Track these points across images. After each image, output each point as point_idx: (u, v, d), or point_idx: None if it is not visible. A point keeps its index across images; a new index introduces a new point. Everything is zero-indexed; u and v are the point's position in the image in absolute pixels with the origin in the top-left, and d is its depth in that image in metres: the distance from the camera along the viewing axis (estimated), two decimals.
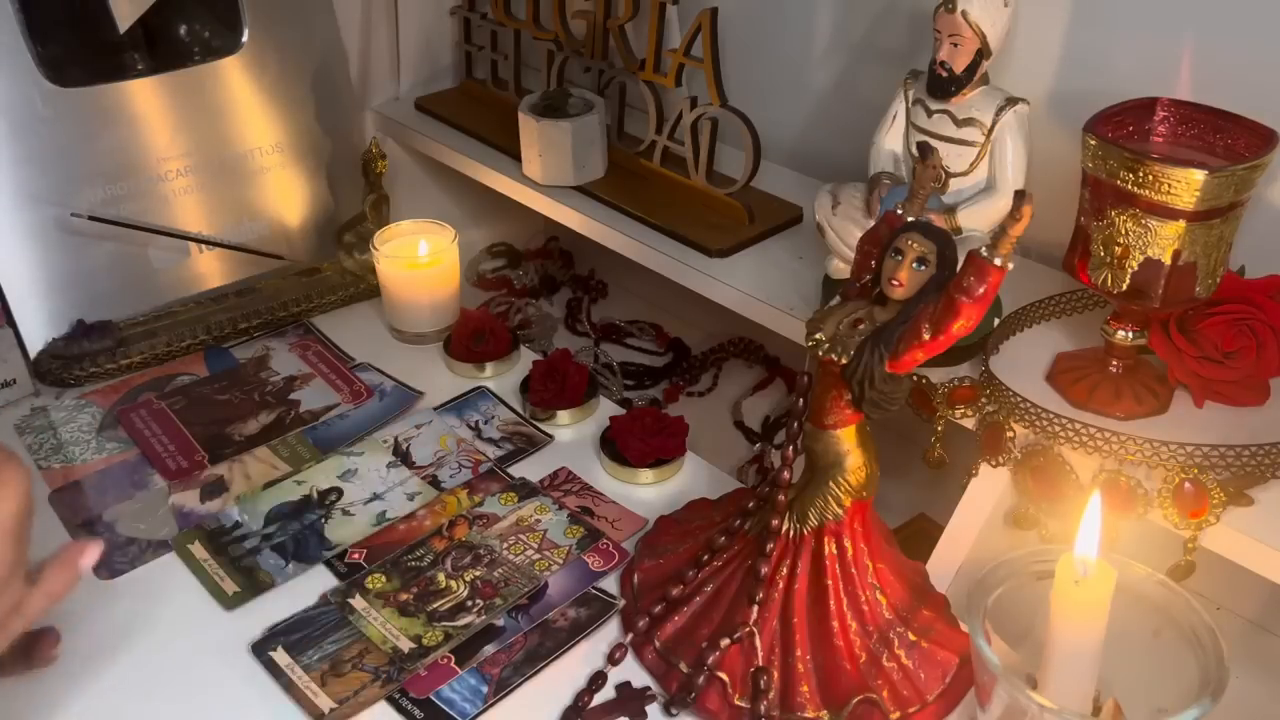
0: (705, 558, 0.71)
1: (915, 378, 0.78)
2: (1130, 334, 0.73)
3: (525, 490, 0.85)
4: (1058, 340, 0.81)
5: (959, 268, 0.57)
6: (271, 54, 1.06)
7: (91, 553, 0.60)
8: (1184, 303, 0.69)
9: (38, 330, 0.98)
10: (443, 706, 0.68)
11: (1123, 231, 0.67)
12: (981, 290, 0.56)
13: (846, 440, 0.65)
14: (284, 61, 1.07)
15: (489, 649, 0.71)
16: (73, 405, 0.95)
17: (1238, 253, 0.70)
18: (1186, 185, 0.63)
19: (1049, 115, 0.85)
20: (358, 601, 0.75)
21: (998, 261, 0.55)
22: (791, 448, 0.66)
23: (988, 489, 0.76)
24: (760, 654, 0.66)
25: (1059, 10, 0.84)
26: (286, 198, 1.10)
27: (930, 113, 0.78)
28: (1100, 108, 0.70)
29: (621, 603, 0.75)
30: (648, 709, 0.68)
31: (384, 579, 0.77)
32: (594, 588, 0.76)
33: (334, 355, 1.02)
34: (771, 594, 0.67)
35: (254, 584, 0.77)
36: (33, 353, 0.98)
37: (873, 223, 0.73)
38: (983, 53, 0.74)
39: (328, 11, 1.11)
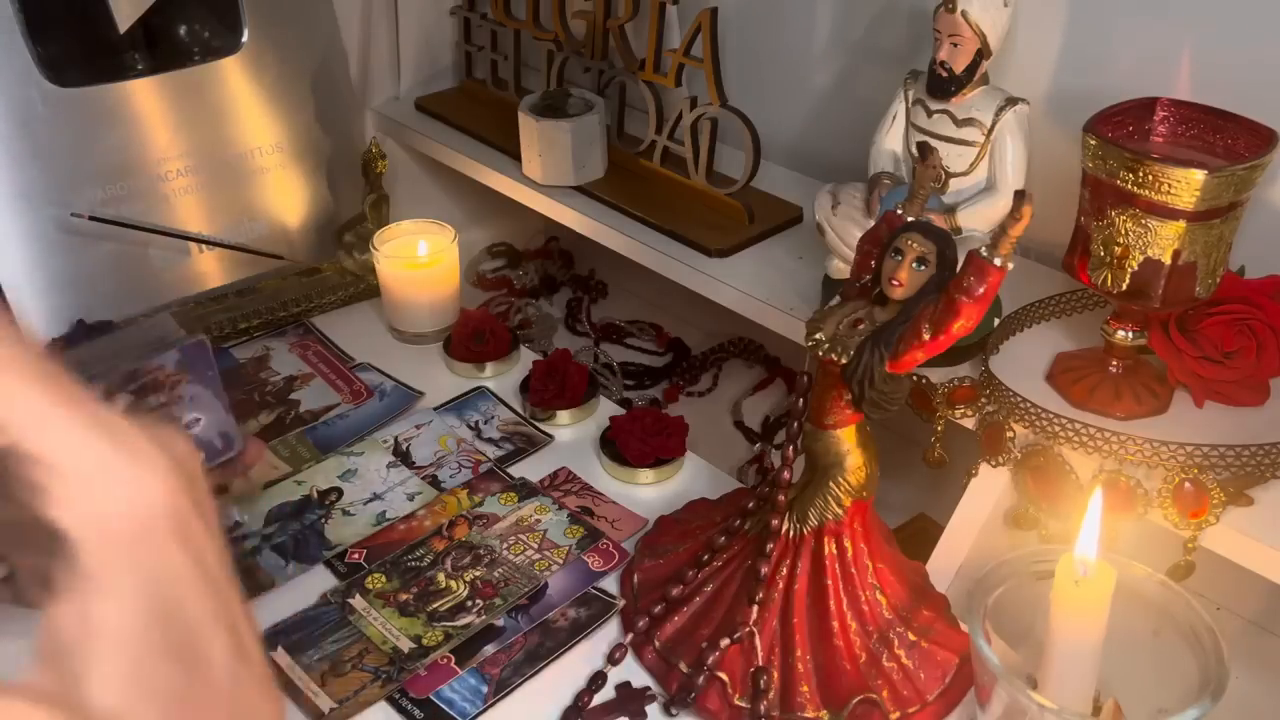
0: (705, 558, 0.71)
1: (915, 378, 0.78)
2: (1130, 334, 0.73)
3: (525, 490, 0.85)
4: (1058, 340, 0.81)
5: (959, 268, 0.57)
6: (271, 54, 1.05)
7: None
8: (1184, 303, 0.69)
9: (38, 330, 0.98)
10: (443, 706, 0.68)
11: (1123, 231, 0.67)
12: (981, 290, 0.56)
13: (846, 440, 0.65)
14: (284, 61, 1.07)
15: (489, 649, 0.71)
16: None
17: (1238, 253, 0.70)
18: (1186, 185, 0.63)
19: (1049, 115, 0.85)
20: (358, 601, 0.75)
21: (998, 261, 0.55)
22: (791, 448, 0.66)
23: (988, 489, 0.76)
24: (760, 654, 0.66)
25: (1059, 10, 0.84)
26: (286, 198, 1.10)
27: (930, 113, 0.78)
28: (1100, 108, 0.70)
29: (621, 603, 0.75)
30: (648, 709, 0.68)
31: (384, 579, 0.77)
32: (594, 588, 0.76)
33: (334, 355, 1.02)
34: (771, 594, 0.67)
35: (254, 584, 0.77)
36: None
37: (873, 223, 0.73)
38: (982, 53, 0.75)
39: (328, 11, 1.11)
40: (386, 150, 1.14)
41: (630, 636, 0.71)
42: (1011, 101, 0.76)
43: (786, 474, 0.67)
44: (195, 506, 0.37)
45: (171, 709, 0.34)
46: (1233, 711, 0.57)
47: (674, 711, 0.67)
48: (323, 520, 0.82)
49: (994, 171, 0.77)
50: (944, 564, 0.76)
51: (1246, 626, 0.83)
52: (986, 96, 0.76)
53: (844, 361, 0.61)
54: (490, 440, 0.91)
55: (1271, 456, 0.67)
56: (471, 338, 0.99)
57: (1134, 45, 0.81)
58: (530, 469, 0.88)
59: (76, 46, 1.00)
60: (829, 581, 0.66)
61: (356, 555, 0.79)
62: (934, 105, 0.78)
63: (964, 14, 0.73)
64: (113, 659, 0.33)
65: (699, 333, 1.23)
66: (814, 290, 0.88)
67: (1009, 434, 0.74)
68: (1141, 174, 0.64)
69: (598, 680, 0.69)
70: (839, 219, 0.81)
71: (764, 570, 0.67)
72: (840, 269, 0.84)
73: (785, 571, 0.67)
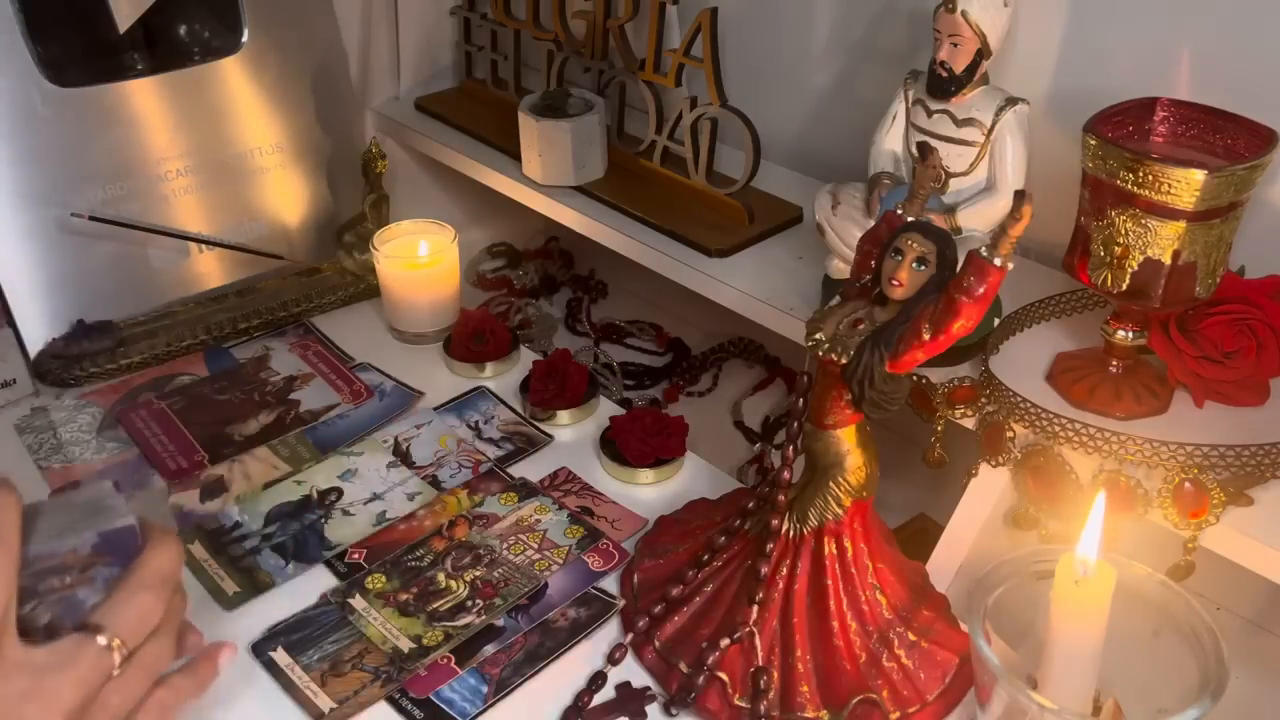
0: (705, 558, 0.71)
1: (915, 378, 0.78)
2: (1130, 334, 0.73)
3: (525, 490, 0.85)
4: (1058, 340, 0.81)
5: (959, 268, 0.57)
6: (271, 54, 1.06)
7: (229, 653, 0.62)
8: (1184, 303, 0.69)
9: (38, 330, 0.98)
10: (443, 706, 0.68)
11: (1123, 231, 0.67)
12: (981, 290, 0.56)
13: (846, 440, 0.65)
14: (284, 61, 1.07)
15: (489, 649, 0.71)
16: (73, 405, 0.95)
17: (1238, 253, 0.70)
18: (1186, 185, 0.63)
19: (1049, 115, 0.85)
20: (358, 601, 0.75)
21: (998, 261, 0.55)
22: (791, 448, 0.66)
23: (988, 489, 0.76)
24: (760, 654, 0.66)
25: (1059, 10, 0.84)
26: (286, 198, 1.10)
27: (930, 113, 0.78)
28: (1100, 108, 0.70)
29: (621, 603, 0.75)
30: (648, 709, 0.68)
31: (384, 579, 0.77)
32: (594, 588, 0.76)
33: (334, 355, 1.02)
34: (771, 594, 0.67)
35: (254, 584, 0.77)
36: (33, 353, 0.98)
37: (873, 223, 0.73)
38: (982, 53, 0.75)
39: (328, 11, 1.11)
40: (386, 150, 1.14)
41: (630, 636, 0.71)
42: (1011, 101, 0.76)
43: (786, 474, 0.67)
44: None
45: None
46: (1233, 711, 0.57)
47: (674, 711, 0.67)
48: (323, 520, 0.82)
49: (994, 171, 0.77)
50: (944, 564, 0.76)
51: (1246, 626, 0.83)
52: (986, 96, 0.76)
53: (844, 361, 0.61)
54: (490, 440, 0.91)
55: (1271, 456, 0.67)
56: (471, 338, 0.99)
57: (1134, 45, 0.81)
58: (530, 469, 0.88)
59: (76, 46, 1.00)
60: (829, 581, 0.66)
61: (356, 555, 0.79)
62: (934, 105, 0.78)
63: (964, 14, 0.73)
64: None
65: (699, 333, 1.24)
66: (814, 290, 0.88)
67: (1009, 434, 0.74)
68: (1141, 174, 0.64)
69: (598, 680, 0.69)
70: (839, 219, 0.81)
71: (764, 570, 0.67)
72: (840, 269, 0.84)
73: (785, 571, 0.67)
